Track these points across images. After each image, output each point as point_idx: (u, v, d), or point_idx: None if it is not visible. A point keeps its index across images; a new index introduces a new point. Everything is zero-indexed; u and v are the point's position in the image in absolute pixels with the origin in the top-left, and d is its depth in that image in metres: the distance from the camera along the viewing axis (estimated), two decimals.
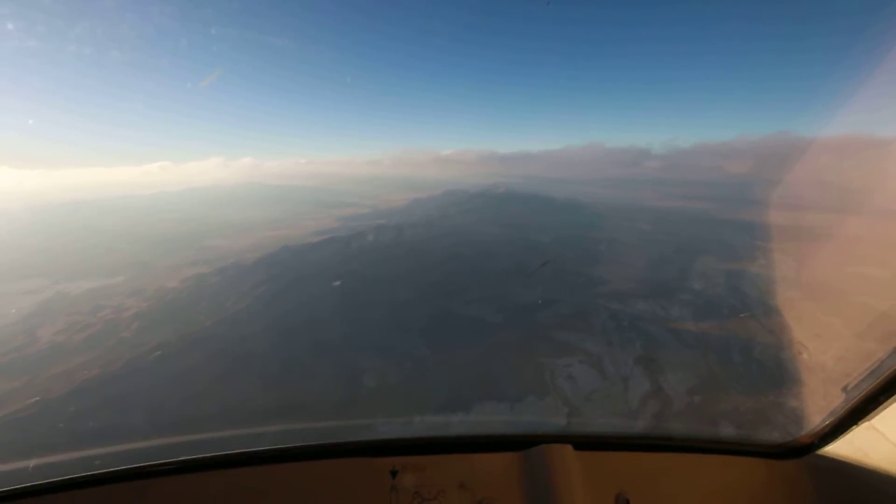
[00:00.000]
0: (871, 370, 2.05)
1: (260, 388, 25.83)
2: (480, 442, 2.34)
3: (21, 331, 34.47)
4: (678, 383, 24.73)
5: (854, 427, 2.16)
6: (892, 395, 1.97)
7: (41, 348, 31.53)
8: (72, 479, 1.96)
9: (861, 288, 29.92)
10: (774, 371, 23.67)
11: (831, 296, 29.90)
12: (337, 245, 63.64)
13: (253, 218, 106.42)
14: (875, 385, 2.00)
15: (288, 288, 44.53)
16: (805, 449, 2.38)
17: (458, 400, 24.18)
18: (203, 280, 47.78)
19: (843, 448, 2.24)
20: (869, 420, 2.11)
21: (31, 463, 2.54)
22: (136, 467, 2.03)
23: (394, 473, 2.06)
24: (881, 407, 2.03)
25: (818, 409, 2.40)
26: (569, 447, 2.20)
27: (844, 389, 2.18)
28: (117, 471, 2.01)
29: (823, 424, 2.31)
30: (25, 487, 1.90)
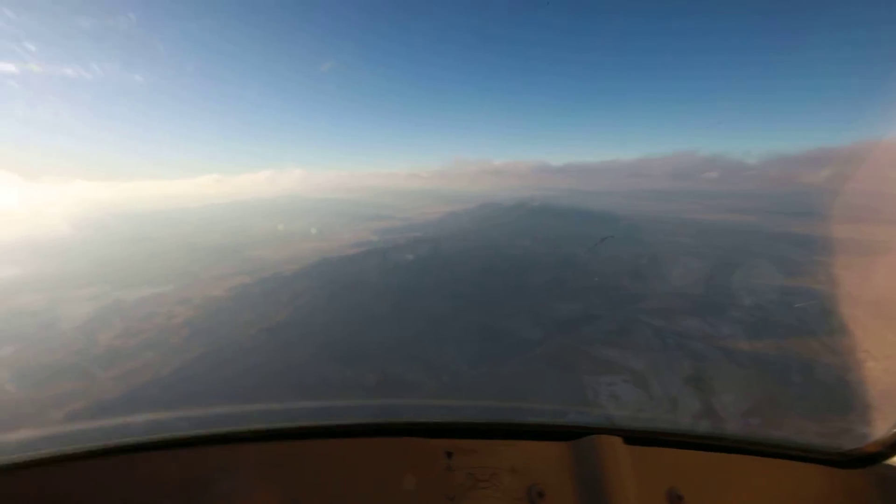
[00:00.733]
0: None
1: (298, 398, 26.33)
2: (530, 430, 2.35)
3: (83, 334, 37.00)
4: (732, 405, 23.24)
5: None
6: None
7: (100, 352, 33.66)
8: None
9: None
10: (839, 394, 22.09)
11: None
12: (374, 258, 65.05)
13: (293, 230, 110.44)
14: None
15: (327, 299, 45.80)
16: (871, 458, 2.17)
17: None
18: (246, 290, 49.96)
19: None
20: None
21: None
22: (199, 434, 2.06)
23: (449, 454, 2.13)
24: None
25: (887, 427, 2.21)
26: (619, 440, 2.16)
27: None
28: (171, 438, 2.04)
29: (892, 433, 2.10)
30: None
